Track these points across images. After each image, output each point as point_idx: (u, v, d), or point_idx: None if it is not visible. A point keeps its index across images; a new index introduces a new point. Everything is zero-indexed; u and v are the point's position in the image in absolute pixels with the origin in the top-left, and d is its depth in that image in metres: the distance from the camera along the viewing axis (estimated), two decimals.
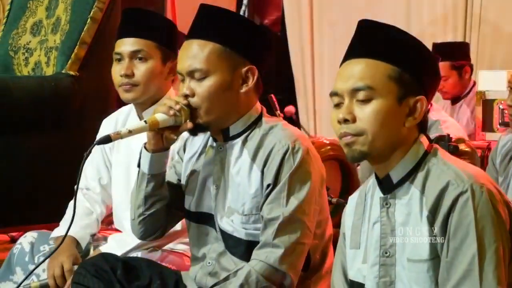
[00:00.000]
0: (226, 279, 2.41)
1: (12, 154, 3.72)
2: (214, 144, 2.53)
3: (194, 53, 2.42)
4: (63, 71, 3.85)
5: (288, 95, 6.94)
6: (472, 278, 1.89)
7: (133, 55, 2.91)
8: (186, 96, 2.42)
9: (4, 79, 3.84)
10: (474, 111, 5.42)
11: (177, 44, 2.97)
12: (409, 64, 2.01)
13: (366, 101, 1.98)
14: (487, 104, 4.86)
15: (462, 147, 3.01)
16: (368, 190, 2.14)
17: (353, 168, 4.23)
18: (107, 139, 2.37)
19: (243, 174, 2.45)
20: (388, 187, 2.04)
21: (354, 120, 1.99)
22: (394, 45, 2.02)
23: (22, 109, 3.72)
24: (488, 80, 4.96)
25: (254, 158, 2.44)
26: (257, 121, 2.49)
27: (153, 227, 2.58)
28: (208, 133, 2.55)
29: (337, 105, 2.03)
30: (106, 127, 3.13)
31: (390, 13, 6.51)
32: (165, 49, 2.94)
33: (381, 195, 2.06)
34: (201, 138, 2.60)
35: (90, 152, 2.41)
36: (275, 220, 2.36)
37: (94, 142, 2.41)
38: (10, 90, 3.68)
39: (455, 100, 5.67)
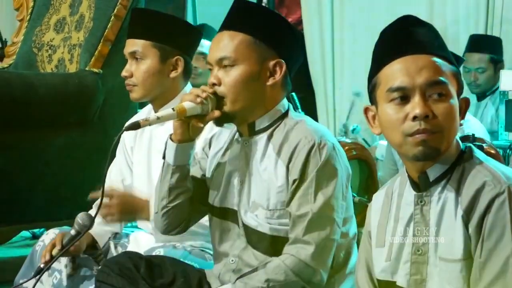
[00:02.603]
0: (255, 270, 2.41)
1: (36, 151, 3.75)
2: (240, 139, 2.54)
3: (224, 43, 2.45)
4: (86, 68, 3.87)
5: (308, 94, 6.93)
6: (505, 279, 1.88)
7: (132, 55, 2.97)
8: (213, 85, 2.44)
9: (29, 76, 3.86)
10: (499, 109, 5.37)
11: (192, 40, 3.01)
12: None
13: (442, 96, 1.96)
14: (510, 104, 4.83)
15: (485, 147, 2.99)
16: (395, 189, 2.13)
17: (374, 168, 4.24)
18: (136, 125, 2.38)
19: (269, 169, 2.46)
20: (424, 184, 2.03)
21: (434, 116, 1.95)
22: (444, 45, 2.04)
23: (46, 105, 3.74)
24: (510, 80, 4.92)
25: (279, 153, 2.45)
26: (283, 117, 2.50)
27: (176, 220, 2.58)
28: (234, 129, 2.56)
29: (401, 98, 1.98)
30: (127, 133, 3.15)
31: (413, 12, 6.47)
32: (164, 47, 2.95)
33: (414, 193, 2.05)
34: (226, 134, 2.61)
35: (119, 138, 2.44)
36: (305, 217, 2.36)
37: (123, 128, 2.41)
38: (35, 87, 3.71)
39: (481, 96, 5.59)
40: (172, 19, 3.05)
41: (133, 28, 3.02)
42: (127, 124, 2.44)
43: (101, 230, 3.06)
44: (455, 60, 2.06)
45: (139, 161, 3.08)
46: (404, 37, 2.01)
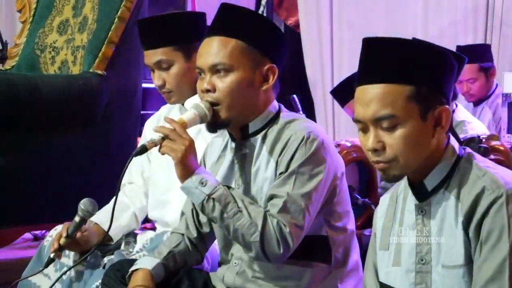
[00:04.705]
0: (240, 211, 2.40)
1: (40, 152, 3.74)
2: (233, 145, 2.55)
3: (217, 49, 2.44)
4: (90, 70, 3.86)
5: (307, 96, 6.94)
6: (500, 281, 1.88)
7: (158, 65, 2.97)
8: (207, 91, 2.44)
9: (33, 77, 3.86)
10: (496, 113, 5.41)
11: (201, 25, 3.01)
12: (424, 78, 1.97)
13: (392, 128, 1.96)
14: None
15: (495, 144, 3.00)
16: (400, 192, 2.14)
17: (374, 170, 4.22)
18: (143, 149, 2.42)
19: (262, 169, 2.47)
20: (423, 194, 2.04)
21: (384, 148, 1.97)
22: (406, 64, 1.97)
23: (50, 107, 3.73)
24: None
25: (271, 151, 2.46)
26: (275, 118, 2.52)
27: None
28: (227, 136, 2.57)
29: (363, 130, 2.01)
30: (149, 127, 3.18)
31: (410, 14, 6.50)
32: (184, 46, 2.97)
33: (416, 201, 2.05)
34: (219, 143, 2.62)
35: (128, 164, 2.46)
36: (280, 198, 2.37)
37: (131, 155, 2.44)
38: (39, 88, 3.70)
39: (477, 102, 5.63)
40: (176, 16, 3.05)
41: (147, 39, 3.01)
42: (136, 149, 2.44)
43: (114, 226, 3.05)
44: (456, 59, 2.04)
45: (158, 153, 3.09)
46: (362, 64, 2.01)
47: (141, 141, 3.17)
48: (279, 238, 2.34)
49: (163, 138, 2.39)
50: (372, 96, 1.97)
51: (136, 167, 3.17)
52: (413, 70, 1.96)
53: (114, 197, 2.54)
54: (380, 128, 1.97)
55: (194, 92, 2.97)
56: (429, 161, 2.01)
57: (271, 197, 2.40)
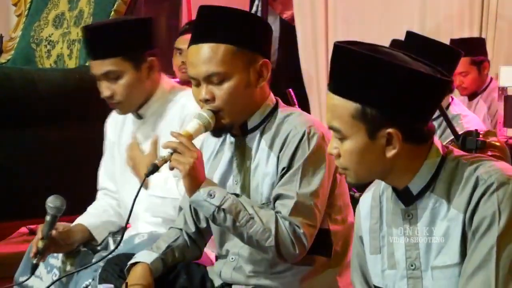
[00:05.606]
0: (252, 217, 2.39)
1: (36, 146, 3.74)
2: (232, 140, 2.55)
3: (208, 57, 2.40)
4: (86, 64, 3.85)
5: (302, 90, 6.92)
6: (487, 268, 1.85)
7: (106, 76, 2.86)
8: (206, 101, 2.42)
9: (29, 71, 3.86)
10: (491, 107, 5.41)
11: (148, 31, 2.93)
12: (371, 99, 1.90)
13: (341, 139, 1.94)
14: (509, 100, 4.84)
15: (492, 140, 2.99)
16: (382, 192, 2.08)
17: None
18: (155, 168, 2.39)
19: (262, 164, 2.47)
20: (408, 199, 1.99)
21: (338, 156, 1.96)
22: (354, 82, 1.91)
23: (46, 101, 3.73)
24: (510, 76, 4.94)
25: (271, 146, 2.46)
26: (273, 112, 2.51)
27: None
28: None
29: None
30: (110, 127, 3.15)
31: (406, 9, 6.49)
32: (134, 56, 2.86)
33: (402, 205, 2.01)
34: (215, 137, 2.60)
35: (141, 186, 2.45)
36: (290, 199, 2.38)
37: (144, 175, 2.43)
38: (35, 82, 3.70)
39: (472, 96, 5.64)
40: (124, 25, 2.94)
41: (94, 48, 2.89)
42: (148, 168, 2.41)
43: (95, 221, 3.05)
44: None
45: (123, 157, 3.04)
46: (330, 71, 1.98)
47: (105, 141, 3.12)
48: (294, 239, 2.36)
49: (172, 154, 2.39)
50: (328, 104, 1.95)
51: (107, 173, 3.13)
52: (359, 89, 1.90)
53: (133, 201, 2.47)
54: (336, 136, 1.96)
55: (143, 102, 2.92)
56: (405, 170, 1.96)
57: (279, 197, 2.40)
